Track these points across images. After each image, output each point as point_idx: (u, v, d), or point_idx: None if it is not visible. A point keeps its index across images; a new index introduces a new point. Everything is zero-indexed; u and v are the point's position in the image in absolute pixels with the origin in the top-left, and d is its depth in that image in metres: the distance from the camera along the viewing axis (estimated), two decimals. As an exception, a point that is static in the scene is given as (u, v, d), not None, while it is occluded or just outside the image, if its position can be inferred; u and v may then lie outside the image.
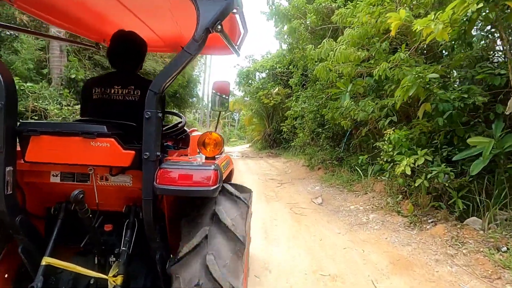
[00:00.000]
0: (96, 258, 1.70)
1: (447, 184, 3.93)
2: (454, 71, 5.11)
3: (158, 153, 1.45)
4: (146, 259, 1.68)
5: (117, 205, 1.70)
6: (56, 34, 7.25)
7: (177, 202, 1.72)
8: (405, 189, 4.92)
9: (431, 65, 4.63)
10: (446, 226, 3.78)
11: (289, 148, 14.11)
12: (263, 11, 9.46)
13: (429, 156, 4.05)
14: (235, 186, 1.90)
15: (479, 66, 4.71)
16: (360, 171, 6.56)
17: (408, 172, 4.00)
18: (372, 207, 5.01)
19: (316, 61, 6.96)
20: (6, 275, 1.67)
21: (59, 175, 1.62)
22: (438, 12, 3.65)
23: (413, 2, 4.84)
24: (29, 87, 6.82)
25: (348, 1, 6.50)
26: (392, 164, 4.81)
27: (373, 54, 5.44)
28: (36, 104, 6.67)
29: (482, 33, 4.51)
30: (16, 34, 7.55)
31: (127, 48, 1.89)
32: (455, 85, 4.66)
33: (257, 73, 17.97)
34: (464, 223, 3.83)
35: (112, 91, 1.77)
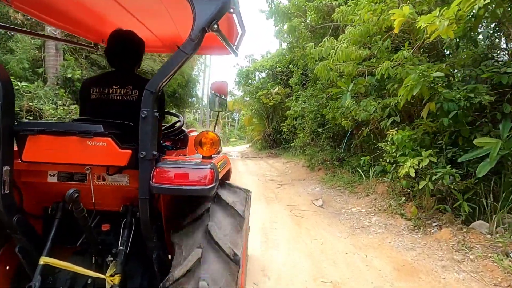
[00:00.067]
0: (93, 257, 1.70)
1: (452, 187, 3.81)
2: (457, 70, 4.99)
3: (155, 152, 1.45)
4: (143, 259, 1.69)
5: (114, 204, 1.70)
6: (52, 33, 7.14)
7: (174, 201, 1.71)
8: (409, 191, 4.79)
9: (435, 63, 4.51)
10: (451, 230, 3.65)
11: (289, 148, 13.98)
12: (263, 10, 9.35)
13: (433, 158, 3.92)
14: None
15: (483, 65, 4.59)
16: (361, 172, 6.43)
17: (412, 174, 3.87)
18: (375, 210, 4.88)
19: (316, 60, 6.82)
20: (4, 275, 1.67)
21: (56, 174, 1.62)
22: (443, 9, 3.52)
23: (416, -1, 4.71)
24: (24, 86, 6.69)
25: (349, -1, 6.37)
26: (395, 165, 4.68)
27: (375, 53, 5.31)
28: (31, 104, 6.54)
29: (488, 31, 4.37)
30: (11, 34, 7.42)
31: (125, 47, 1.88)
32: (459, 84, 4.53)
33: (257, 73, 17.83)
34: (470, 226, 3.70)
35: (110, 91, 1.76)
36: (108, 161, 1.49)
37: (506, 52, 4.91)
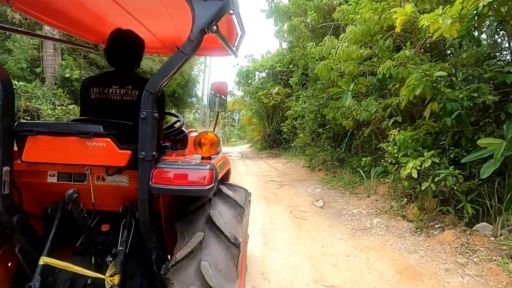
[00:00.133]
0: (93, 258, 1.70)
1: (455, 188, 3.74)
2: (459, 69, 4.92)
3: (154, 153, 1.45)
4: (142, 259, 1.69)
5: (114, 205, 1.70)
6: (50, 33, 7.08)
7: (173, 202, 1.72)
8: (410, 192, 4.73)
9: (437, 63, 4.44)
10: (454, 232, 3.59)
11: (289, 148, 13.91)
12: (263, 9, 9.29)
13: (436, 158, 3.85)
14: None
15: (486, 64, 4.53)
16: (362, 172, 6.36)
17: (415, 175, 3.80)
18: (376, 211, 4.82)
19: (317, 60, 6.76)
20: (3, 275, 1.68)
21: (56, 175, 1.62)
22: (446, 7, 3.45)
23: (418, -3, 4.64)
24: (22, 86, 6.61)
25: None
26: (396, 166, 4.62)
27: (376, 52, 5.24)
28: (28, 104, 6.47)
29: (492, 29, 4.31)
30: (9, 33, 7.35)
31: (125, 46, 1.88)
32: (461, 84, 4.47)
33: (257, 73, 17.76)
34: (474, 228, 3.64)
35: (110, 91, 1.76)
36: (108, 161, 1.49)
37: (510, 51, 4.85)
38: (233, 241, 1.48)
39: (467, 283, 2.80)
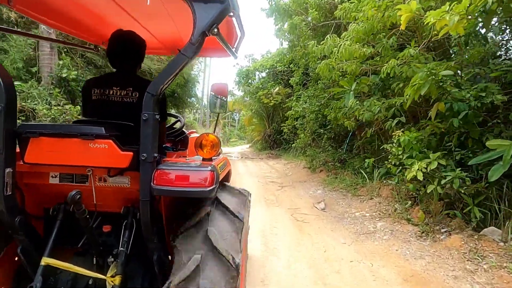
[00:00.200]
0: (94, 258, 1.71)
1: (462, 191, 3.61)
2: (465, 68, 4.80)
3: (156, 155, 1.46)
4: (144, 260, 1.71)
5: (115, 206, 1.71)
6: (46, 31, 6.96)
7: (175, 203, 1.72)
8: (415, 194, 4.60)
9: (441, 62, 4.32)
10: (462, 237, 3.46)
11: (289, 149, 13.77)
12: (263, 8, 9.16)
13: (442, 160, 3.72)
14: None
15: (492, 63, 4.41)
16: (365, 174, 6.23)
17: (420, 177, 3.67)
18: (379, 214, 4.69)
19: (318, 59, 6.64)
20: (5, 275, 1.69)
21: (58, 176, 1.64)
22: (453, 4, 3.33)
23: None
24: (17, 86, 6.48)
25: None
26: (400, 167, 4.49)
27: (379, 51, 5.12)
28: (24, 104, 6.34)
29: (499, 27, 4.18)
30: (3, 34, 7.22)
31: (126, 47, 1.87)
32: (467, 84, 4.34)
33: (257, 73, 17.63)
34: (482, 233, 3.51)
35: (111, 92, 1.76)
36: (110, 163, 1.50)
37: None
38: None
39: (477, 292, 2.67)
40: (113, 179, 1.61)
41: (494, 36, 4.44)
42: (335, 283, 2.90)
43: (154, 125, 1.42)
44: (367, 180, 6.09)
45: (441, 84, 3.75)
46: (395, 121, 4.83)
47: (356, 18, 5.29)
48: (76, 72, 7.94)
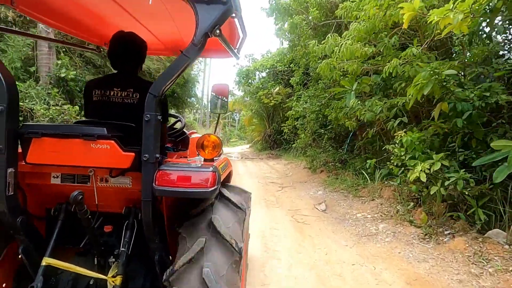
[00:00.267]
0: (95, 258, 1.72)
1: (466, 193, 3.55)
2: (467, 68, 4.73)
3: (157, 155, 1.46)
4: (145, 260, 1.71)
5: (116, 206, 1.71)
6: (44, 31, 6.89)
7: (176, 204, 1.73)
8: (417, 196, 4.53)
9: (444, 61, 4.25)
10: (466, 240, 3.39)
11: (290, 149, 13.71)
12: (263, 8, 9.10)
13: (446, 161, 3.66)
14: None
15: (495, 63, 4.34)
16: (366, 175, 6.16)
17: (423, 179, 3.61)
18: (381, 216, 4.62)
19: (319, 59, 6.57)
20: (6, 275, 1.69)
21: (59, 176, 1.64)
22: (457, 1, 3.26)
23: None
24: (15, 86, 6.40)
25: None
26: (403, 168, 4.43)
27: (381, 50, 5.05)
28: (22, 104, 6.27)
29: (504, 25, 4.11)
30: (1, 33, 7.14)
31: (127, 49, 1.88)
32: (470, 83, 4.28)
33: (257, 73, 17.56)
34: (486, 235, 3.45)
35: (112, 93, 1.77)
36: (111, 163, 1.50)
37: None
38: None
39: (483, 297, 2.61)
40: (115, 179, 1.61)
41: (498, 35, 4.37)
42: (337, 286, 2.83)
43: (156, 126, 1.43)
44: (369, 181, 6.03)
45: (444, 83, 3.69)
46: (397, 121, 4.77)
47: (358, 17, 5.22)
48: (74, 72, 7.87)
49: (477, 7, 3.25)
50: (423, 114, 5.18)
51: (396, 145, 4.28)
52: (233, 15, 1.46)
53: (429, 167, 3.63)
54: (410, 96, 4.00)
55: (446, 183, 3.59)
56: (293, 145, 11.99)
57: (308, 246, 3.79)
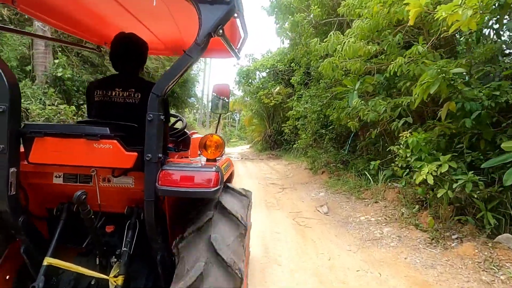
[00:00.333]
0: (97, 258, 1.72)
1: (475, 196, 3.41)
2: (473, 67, 4.60)
3: (160, 155, 1.46)
4: (147, 260, 1.71)
5: (119, 206, 1.70)
6: (41, 29, 6.77)
7: (179, 204, 1.73)
8: (422, 198, 4.40)
9: (449, 59, 4.12)
10: (475, 245, 3.26)
11: (290, 149, 13.56)
12: (264, 7, 8.96)
13: (453, 163, 3.52)
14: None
15: (503, 61, 4.21)
16: (369, 176, 6.03)
17: (431, 181, 3.47)
18: (385, 219, 4.49)
19: (320, 58, 6.44)
20: (8, 275, 1.69)
21: (62, 176, 1.64)
22: (466, -3, 3.13)
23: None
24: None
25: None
26: (408, 170, 4.29)
27: (385, 49, 4.91)
28: (18, 103, 6.13)
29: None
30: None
31: (128, 50, 1.88)
32: (477, 82, 4.14)
33: (258, 72, 17.40)
34: (496, 240, 3.31)
35: (113, 93, 1.77)
36: (114, 163, 1.50)
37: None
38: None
39: (496, 307, 2.47)
40: (117, 179, 1.61)
41: (506, 33, 4.23)
42: (342, 296, 2.70)
43: (159, 125, 1.43)
44: (372, 182, 5.89)
45: (452, 82, 3.56)
46: (402, 122, 4.63)
47: (360, 14, 5.09)
48: (71, 71, 7.73)
49: (486, 3, 3.13)
50: (427, 114, 5.04)
51: (401, 146, 4.15)
52: (235, 15, 1.46)
53: (436, 169, 3.50)
54: (415, 96, 3.86)
55: (454, 185, 3.46)
56: (294, 146, 11.84)
57: (311, 250, 3.65)
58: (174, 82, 1.49)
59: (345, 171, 7.41)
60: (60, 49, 7.98)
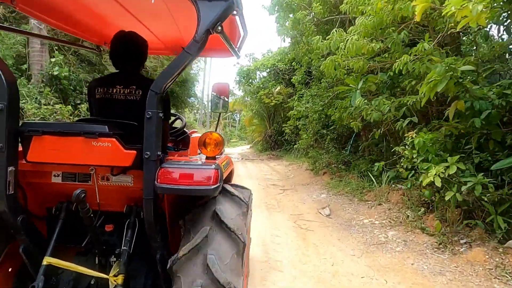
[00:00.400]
0: (97, 258, 1.71)
1: (485, 199, 3.27)
2: (480, 65, 4.46)
3: (159, 153, 1.46)
4: (146, 259, 1.69)
5: (118, 205, 1.70)
6: (37, 27, 6.64)
7: (178, 202, 1.72)
8: (428, 201, 4.26)
9: (456, 57, 3.98)
10: (485, 250, 3.12)
11: (291, 150, 13.43)
12: (265, 6, 8.81)
13: (461, 164, 3.38)
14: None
15: (510, 59, 4.07)
16: (372, 177, 5.88)
17: (438, 183, 3.33)
18: (390, 222, 4.34)
19: (322, 56, 6.30)
20: (7, 275, 1.69)
21: (60, 175, 1.64)
22: (476, -9, 2.99)
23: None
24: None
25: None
26: (413, 172, 4.15)
27: (389, 46, 4.77)
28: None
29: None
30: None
31: (128, 48, 1.88)
32: (484, 81, 4.00)
33: (258, 72, 17.26)
34: (506, 245, 3.17)
35: (114, 90, 1.77)
36: (113, 161, 1.50)
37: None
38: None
39: (511, 318, 2.33)
40: (116, 178, 1.60)
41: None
42: (346, 305, 2.56)
43: (157, 123, 1.42)
44: (375, 184, 5.75)
45: (460, 80, 3.42)
46: (406, 121, 4.49)
47: (364, 12, 4.95)
48: (68, 69, 7.59)
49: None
50: (432, 114, 4.90)
51: (407, 146, 4.00)
52: (235, 12, 1.45)
53: (444, 171, 3.36)
54: (422, 94, 3.72)
55: (463, 188, 3.32)
56: (295, 146, 11.71)
57: (313, 255, 3.51)
58: (173, 80, 1.49)
59: (347, 172, 7.27)
60: (56, 47, 7.84)
